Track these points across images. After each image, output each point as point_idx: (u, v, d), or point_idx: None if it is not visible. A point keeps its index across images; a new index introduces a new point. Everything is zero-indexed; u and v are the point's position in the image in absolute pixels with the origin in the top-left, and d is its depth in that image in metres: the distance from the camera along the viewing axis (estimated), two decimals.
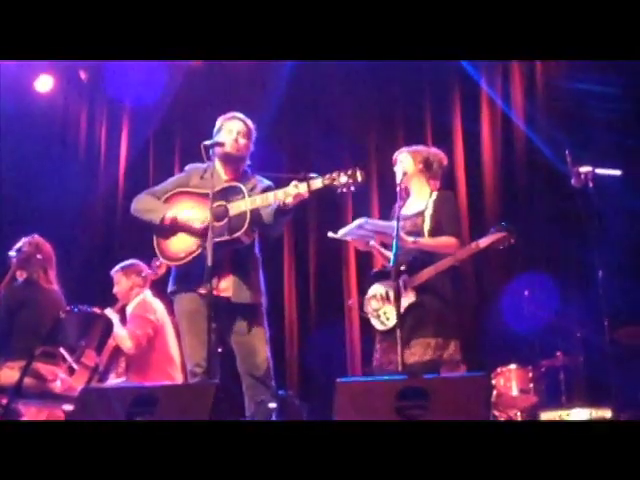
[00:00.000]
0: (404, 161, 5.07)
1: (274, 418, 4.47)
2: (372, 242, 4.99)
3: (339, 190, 4.37)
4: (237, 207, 4.46)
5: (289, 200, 4.35)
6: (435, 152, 5.18)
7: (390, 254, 4.69)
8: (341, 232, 5.00)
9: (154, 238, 4.69)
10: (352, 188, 4.37)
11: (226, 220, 4.45)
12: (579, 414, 5.66)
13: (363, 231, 4.90)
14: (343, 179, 4.34)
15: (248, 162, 4.85)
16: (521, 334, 6.60)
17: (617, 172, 4.90)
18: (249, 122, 4.81)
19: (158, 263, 5.97)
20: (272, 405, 4.41)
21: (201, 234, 4.49)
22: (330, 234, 5.09)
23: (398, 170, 5.03)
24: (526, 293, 6.43)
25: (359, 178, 4.35)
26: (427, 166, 5.06)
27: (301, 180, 4.37)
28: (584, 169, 4.80)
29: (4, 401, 5.19)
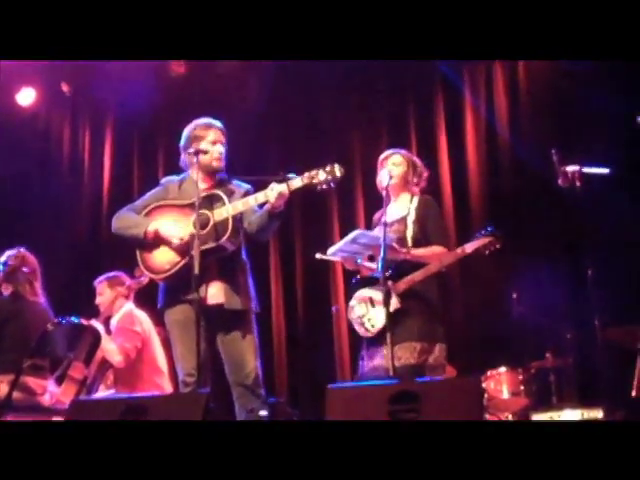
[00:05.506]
0: (396, 162, 5.01)
1: None
2: (360, 260, 4.98)
3: (319, 187, 4.36)
4: (219, 214, 4.44)
5: (272, 200, 4.33)
6: (419, 161, 5.14)
7: (376, 266, 4.67)
8: (332, 249, 4.96)
9: (137, 253, 4.63)
10: (332, 184, 4.36)
11: (209, 228, 4.43)
12: (570, 415, 5.65)
13: (356, 246, 4.84)
14: (322, 176, 4.33)
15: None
16: (510, 336, 6.60)
17: (605, 171, 4.87)
18: (222, 127, 4.74)
19: (140, 273, 5.90)
20: (263, 413, 4.38)
21: (183, 246, 4.46)
22: (318, 255, 5.09)
23: (385, 172, 4.91)
24: (514, 295, 6.44)
25: (338, 174, 4.34)
26: (415, 171, 5.03)
27: (280, 181, 4.36)
28: (571, 168, 4.78)
29: None
